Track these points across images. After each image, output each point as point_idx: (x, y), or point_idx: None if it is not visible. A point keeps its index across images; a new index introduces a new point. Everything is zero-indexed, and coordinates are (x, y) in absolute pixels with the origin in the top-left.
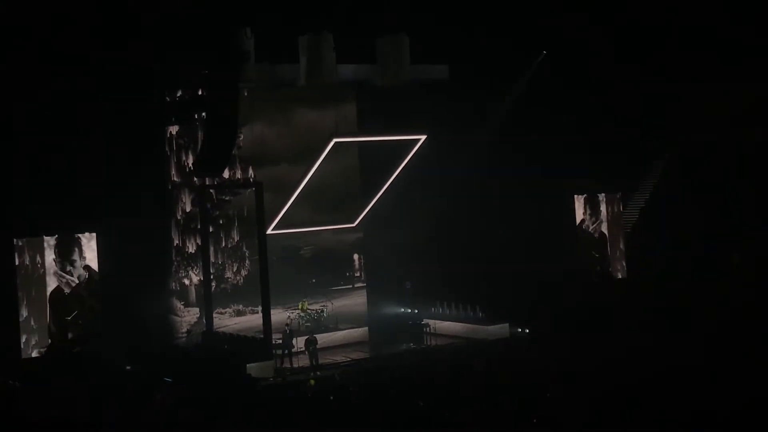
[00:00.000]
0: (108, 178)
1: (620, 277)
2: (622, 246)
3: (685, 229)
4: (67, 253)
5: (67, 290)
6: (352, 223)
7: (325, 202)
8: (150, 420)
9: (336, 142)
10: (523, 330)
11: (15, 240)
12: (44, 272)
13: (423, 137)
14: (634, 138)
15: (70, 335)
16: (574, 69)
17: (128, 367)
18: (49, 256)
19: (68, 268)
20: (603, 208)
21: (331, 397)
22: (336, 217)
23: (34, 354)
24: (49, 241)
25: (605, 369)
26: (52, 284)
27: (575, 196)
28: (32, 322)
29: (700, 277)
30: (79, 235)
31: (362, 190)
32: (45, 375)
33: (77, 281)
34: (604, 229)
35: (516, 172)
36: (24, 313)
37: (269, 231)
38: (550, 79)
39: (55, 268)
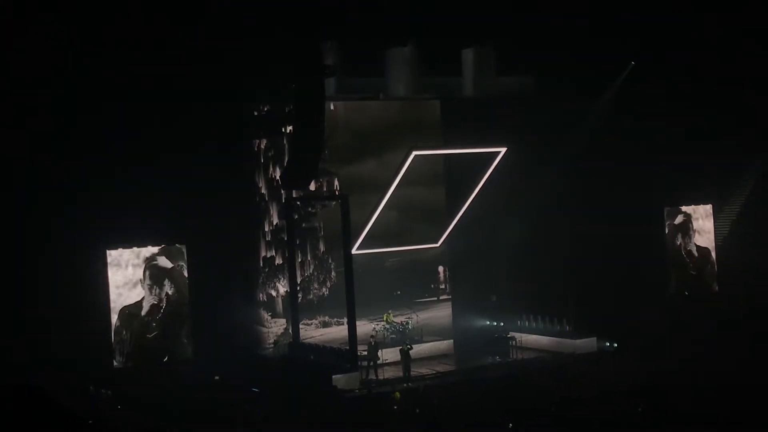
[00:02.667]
0: (197, 191)
1: (712, 291)
2: (713, 259)
3: None
4: (157, 275)
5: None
6: (436, 242)
7: (410, 220)
8: (238, 430)
9: (417, 156)
10: (611, 344)
11: (108, 251)
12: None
13: (503, 150)
14: (725, 148)
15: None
16: (664, 77)
17: (217, 377)
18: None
19: (156, 289)
20: (697, 223)
21: (417, 410)
22: (421, 237)
23: (126, 364)
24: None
25: (694, 384)
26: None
27: (665, 208)
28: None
29: None
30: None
31: (447, 207)
32: (135, 384)
33: (163, 303)
34: (700, 242)
35: (604, 183)
36: (116, 322)
37: (354, 251)
38: (638, 89)
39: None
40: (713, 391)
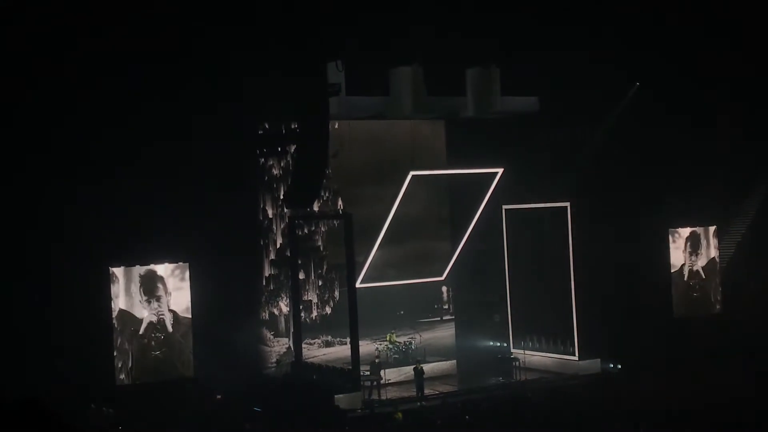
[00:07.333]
0: (201, 209)
1: (716, 312)
2: (718, 281)
3: None
4: (151, 289)
5: (153, 327)
6: (441, 275)
7: (414, 250)
8: None
9: (417, 177)
10: (615, 365)
11: (111, 269)
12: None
13: (500, 170)
14: (731, 170)
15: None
16: (667, 98)
17: (219, 396)
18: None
19: (154, 304)
20: (705, 245)
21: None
22: (425, 269)
23: (128, 381)
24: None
25: (697, 408)
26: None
27: (670, 229)
28: (127, 349)
29: None
30: (161, 270)
31: (451, 232)
32: (138, 402)
33: (166, 322)
34: (704, 264)
35: (609, 204)
36: (119, 340)
37: (358, 285)
38: (642, 111)
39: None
40: (716, 413)
